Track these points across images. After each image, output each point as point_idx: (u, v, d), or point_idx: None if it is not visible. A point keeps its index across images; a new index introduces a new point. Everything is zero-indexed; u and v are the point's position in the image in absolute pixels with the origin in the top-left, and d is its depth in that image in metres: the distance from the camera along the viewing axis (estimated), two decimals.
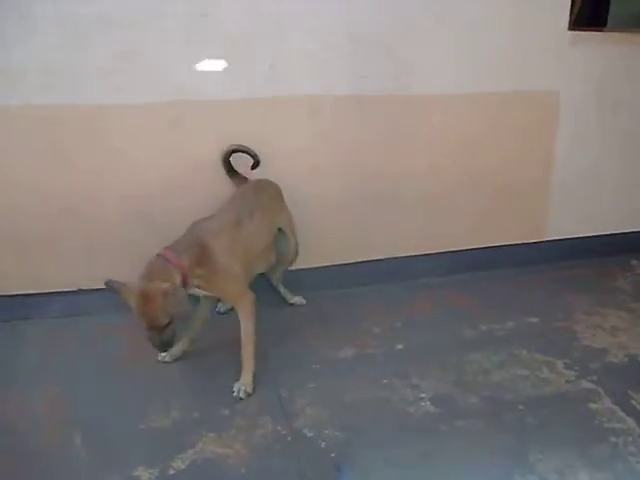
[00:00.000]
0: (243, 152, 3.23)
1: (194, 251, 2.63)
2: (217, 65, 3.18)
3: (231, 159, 3.24)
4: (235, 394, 2.72)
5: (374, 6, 3.30)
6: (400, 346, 3.14)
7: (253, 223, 2.93)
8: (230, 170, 3.26)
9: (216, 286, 2.74)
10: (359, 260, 3.62)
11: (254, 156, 3.23)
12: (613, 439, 2.50)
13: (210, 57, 3.17)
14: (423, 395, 2.76)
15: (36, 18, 2.90)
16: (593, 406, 2.70)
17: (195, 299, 2.88)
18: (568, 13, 3.60)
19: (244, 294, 2.80)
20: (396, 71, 3.43)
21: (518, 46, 3.60)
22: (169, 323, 2.47)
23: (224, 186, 3.26)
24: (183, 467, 2.34)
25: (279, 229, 3.20)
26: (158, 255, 2.57)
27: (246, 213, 2.93)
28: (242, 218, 2.90)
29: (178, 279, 2.51)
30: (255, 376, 2.78)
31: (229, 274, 2.75)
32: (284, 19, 3.20)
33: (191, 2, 3.06)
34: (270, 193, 3.20)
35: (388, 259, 3.72)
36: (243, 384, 2.75)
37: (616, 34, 3.76)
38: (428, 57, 3.47)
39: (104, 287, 2.53)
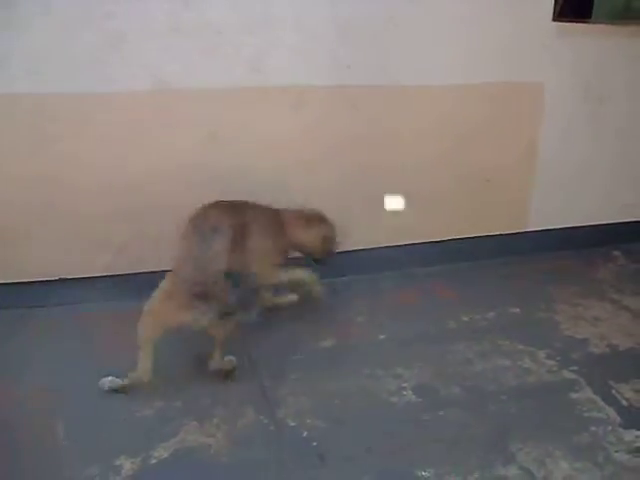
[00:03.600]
0: None
1: None
2: (202, 55, 3.15)
3: None
4: None
5: None
6: (383, 336, 3.15)
7: None
8: None
9: None
10: (342, 250, 3.60)
11: None
12: (593, 428, 2.52)
13: (195, 47, 3.13)
14: (405, 385, 2.77)
15: (21, 7, 2.87)
16: (574, 396, 2.73)
17: None
18: (552, 4, 3.60)
19: None
20: (382, 62, 3.42)
21: (502, 37, 3.58)
22: None
23: (208, 177, 3.23)
24: (165, 456, 2.33)
25: None
26: None
27: None
28: None
29: None
30: None
31: None
32: (269, 8, 3.17)
33: None
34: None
35: (371, 249, 3.72)
36: None
37: (601, 26, 3.75)
38: (414, 48, 3.45)
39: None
